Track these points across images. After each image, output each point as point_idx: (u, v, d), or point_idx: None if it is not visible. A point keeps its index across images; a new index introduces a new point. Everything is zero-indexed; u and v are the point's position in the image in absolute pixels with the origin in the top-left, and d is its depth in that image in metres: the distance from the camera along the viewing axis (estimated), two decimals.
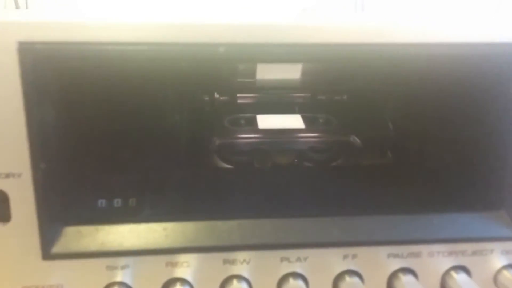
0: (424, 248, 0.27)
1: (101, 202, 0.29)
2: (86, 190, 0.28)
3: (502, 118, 0.27)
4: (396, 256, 0.27)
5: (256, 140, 0.37)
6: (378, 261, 0.27)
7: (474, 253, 0.27)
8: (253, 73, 0.37)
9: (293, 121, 0.40)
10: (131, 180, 0.31)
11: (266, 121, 0.39)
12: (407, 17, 0.28)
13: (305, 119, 0.40)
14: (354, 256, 0.26)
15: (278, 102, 0.41)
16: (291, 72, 0.37)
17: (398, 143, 0.35)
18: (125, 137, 0.31)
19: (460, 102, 0.30)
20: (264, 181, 0.33)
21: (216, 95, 0.39)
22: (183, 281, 0.26)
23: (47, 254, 0.24)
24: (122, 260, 0.25)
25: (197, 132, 0.37)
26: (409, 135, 0.34)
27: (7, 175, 0.23)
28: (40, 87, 0.23)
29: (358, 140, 0.37)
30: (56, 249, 0.24)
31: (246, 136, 0.37)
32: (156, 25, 0.22)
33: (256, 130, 0.38)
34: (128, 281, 0.25)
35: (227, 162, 0.36)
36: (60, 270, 0.25)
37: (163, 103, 0.34)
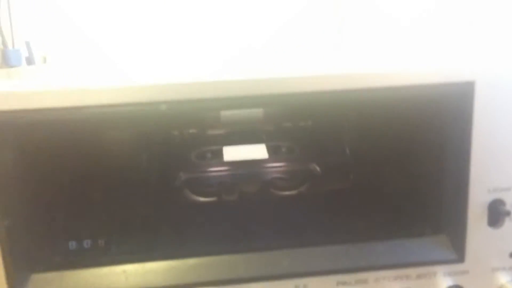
0: (370, 275, 0.28)
1: (85, 243, 0.31)
2: (52, 237, 0.29)
3: (440, 153, 0.29)
4: (344, 283, 0.28)
5: (222, 173, 0.39)
6: None
7: (419, 276, 0.29)
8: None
9: (258, 152, 0.41)
10: (101, 222, 0.33)
11: (232, 153, 0.41)
12: (353, 65, 0.30)
13: (268, 149, 0.42)
14: (305, 286, 0.28)
15: (243, 132, 0.43)
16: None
17: (352, 173, 0.37)
18: (91, 182, 0.33)
19: (404, 137, 0.32)
20: (228, 216, 0.34)
21: (183, 131, 0.41)
22: None
23: None
24: None
25: (163, 169, 0.38)
26: (361, 167, 0.36)
27: None
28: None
29: (317, 168, 0.39)
30: None
31: (212, 170, 0.39)
32: (106, 89, 0.24)
33: (221, 163, 0.40)
34: None
35: (194, 197, 0.37)
36: None
37: (126, 145, 0.36)
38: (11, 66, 1.14)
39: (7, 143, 0.25)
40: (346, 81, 0.26)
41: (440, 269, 0.29)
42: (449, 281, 0.29)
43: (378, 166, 0.33)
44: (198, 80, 0.26)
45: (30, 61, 1.15)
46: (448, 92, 0.27)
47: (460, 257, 0.29)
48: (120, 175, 0.35)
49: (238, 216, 0.35)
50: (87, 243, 0.32)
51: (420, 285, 0.29)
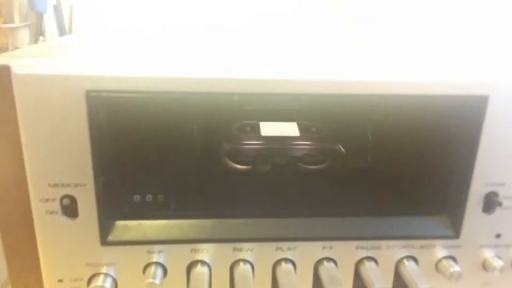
0: (383, 243, 0.35)
1: (147, 197, 0.37)
2: (131, 193, 0.36)
3: (450, 151, 0.35)
4: (362, 248, 0.35)
5: (258, 146, 0.45)
6: (349, 251, 0.35)
7: (422, 247, 0.36)
8: None
9: (290, 129, 0.48)
10: (161, 182, 0.39)
11: (268, 128, 0.47)
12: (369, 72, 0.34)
13: (300, 127, 0.48)
14: (330, 247, 0.35)
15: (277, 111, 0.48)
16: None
17: (371, 157, 0.43)
18: (158, 151, 0.39)
19: (420, 135, 0.38)
20: (264, 183, 0.41)
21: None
22: (203, 262, 0.34)
23: (104, 241, 0.33)
24: (158, 247, 0.34)
25: (210, 139, 0.45)
26: (380, 153, 0.42)
27: (76, 185, 0.31)
28: (100, 126, 0.30)
29: (342, 148, 0.45)
30: (111, 238, 0.33)
31: (249, 143, 0.46)
32: (190, 78, 0.30)
33: (258, 137, 0.46)
34: (162, 261, 0.34)
35: (233, 164, 0.44)
36: (113, 253, 0.33)
37: (182, 119, 0.41)
38: (37, 11, 1.16)
39: (102, 118, 0.31)
40: (377, 87, 0.31)
41: (439, 243, 0.36)
42: (445, 252, 0.36)
43: (395, 155, 0.39)
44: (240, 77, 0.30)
45: (57, 9, 1.17)
46: (463, 103, 0.32)
47: (456, 234, 0.35)
48: (176, 144, 0.42)
49: (273, 185, 0.41)
50: (149, 198, 0.38)
51: (422, 253, 0.36)
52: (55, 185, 0.31)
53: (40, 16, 1.13)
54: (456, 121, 0.34)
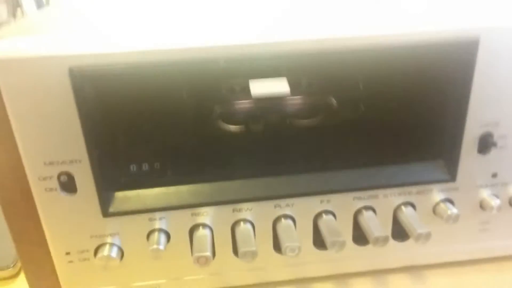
0: (380, 192, 0.36)
1: (143, 166, 0.37)
2: (127, 163, 0.36)
3: (444, 94, 0.34)
4: (359, 198, 0.36)
5: (249, 105, 0.45)
6: (346, 203, 0.36)
7: (418, 192, 0.36)
8: None
9: (280, 85, 0.47)
10: (155, 150, 0.39)
11: (257, 87, 0.46)
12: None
13: (289, 82, 0.47)
14: (328, 201, 0.36)
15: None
16: None
17: (364, 106, 0.43)
18: (150, 120, 0.39)
19: (413, 80, 0.37)
20: (258, 143, 0.41)
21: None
22: (204, 225, 0.35)
23: (105, 213, 0.33)
24: (159, 214, 0.34)
25: (201, 102, 0.44)
26: (374, 101, 0.42)
27: (71, 161, 0.32)
28: (87, 101, 0.30)
29: (334, 101, 0.45)
30: (112, 209, 0.34)
31: (241, 103, 0.45)
32: (169, 50, 0.30)
33: (248, 96, 0.45)
34: (165, 227, 0.35)
35: (228, 126, 0.44)
36: (116, 223, 0.34)
37: (172, 86, 0.41)
38: None
39: (88, 93, 0.31)
40: (366, 40, 0.31)
41: (435, 187, 0.36)
42: (442, 196, 0.37)
43: (388, 103, 0.39)
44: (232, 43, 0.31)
45: None
46: (454, 47, 0.32)
47: (452, 177, 0.36)
48: (167, 111, 0.41)
49: (267, 144, 0.41)
50: (145, 166, 0.38)
51: (419, 199, 0.37)
52: (51, 163, 0.31)
53: None
54: (448, 65, 0.33)
